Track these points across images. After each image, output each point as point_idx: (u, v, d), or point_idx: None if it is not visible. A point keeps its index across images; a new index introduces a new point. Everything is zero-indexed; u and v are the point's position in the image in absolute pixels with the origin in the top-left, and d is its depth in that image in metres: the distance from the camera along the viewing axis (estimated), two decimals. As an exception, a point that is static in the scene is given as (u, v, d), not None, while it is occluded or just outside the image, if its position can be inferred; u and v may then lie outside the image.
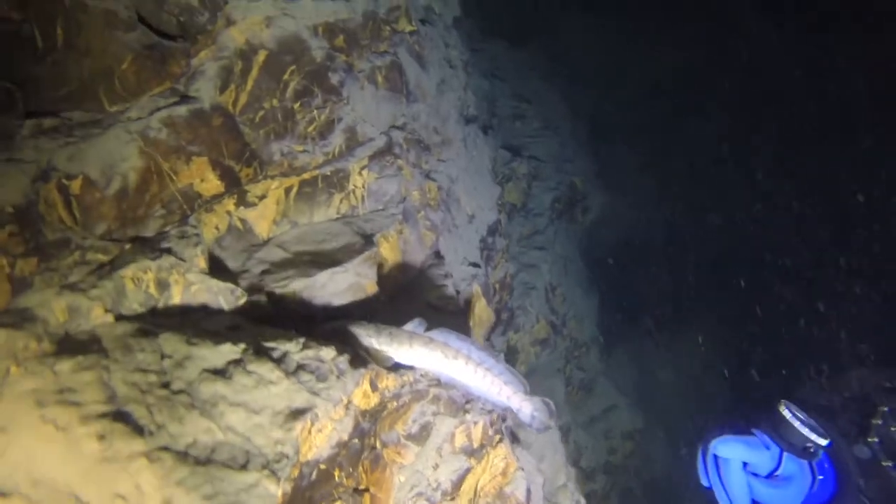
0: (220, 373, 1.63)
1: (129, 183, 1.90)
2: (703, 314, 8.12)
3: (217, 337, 1.77)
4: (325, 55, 2.54)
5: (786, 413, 1.89)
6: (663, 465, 6.84)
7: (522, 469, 2.45)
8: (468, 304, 3.38)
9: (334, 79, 2.59)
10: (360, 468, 1.85)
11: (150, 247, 1.91)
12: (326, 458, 1.68)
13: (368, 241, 2.56)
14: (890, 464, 2.10)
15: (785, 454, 1.89)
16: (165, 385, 1.53)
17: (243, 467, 1.49)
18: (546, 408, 2.08)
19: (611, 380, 6.66)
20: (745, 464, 1.94)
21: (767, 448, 1.91)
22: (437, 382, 2.17)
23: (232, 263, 2.27)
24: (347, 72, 2.69)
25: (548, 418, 2.07)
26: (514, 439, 3.04)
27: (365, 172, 2.76)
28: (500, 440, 2.34)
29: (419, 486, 2.10)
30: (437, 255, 3.28)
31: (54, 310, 1.62)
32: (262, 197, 2.40)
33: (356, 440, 1.81)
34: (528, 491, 2.47)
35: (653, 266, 8.30)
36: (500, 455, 2.35)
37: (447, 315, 2.87)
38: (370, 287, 2.47)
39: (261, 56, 2.30)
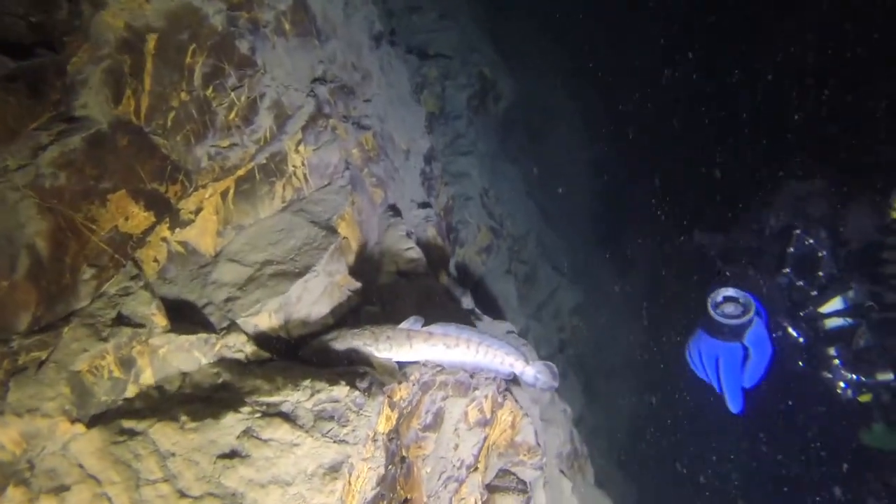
0: (235, 454, 1.46)
1: (39, 253, 1.51)
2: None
3: (212, 407, 1.57)
4: (226, 19, 2.06)
5: (711, 312, 2.17)
6: (608, 331, 7.53)
7: (528, 415, 2.54)
8: (430, 252, 3.26)
9: (244, 46, 2.13)
10: (398, 486, 1.82)
11: (96, 321, 1.59)
12: (371, 499, 1.61)
13: (328, 229, 2.30)
14: (802, 282, 2.45)
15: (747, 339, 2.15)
16: (183, 494, 1.35)
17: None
18: (548, 370, 2.12)
19: (549, 263, 6.97)
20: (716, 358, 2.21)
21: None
22: (442, 369, 2.12)
23: (188, 296, 1.97)
24: (254, 32, 2.22)
25: (551, 379, 2.12)
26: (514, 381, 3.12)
27: (302, 148, 2.41)
28: (506, 398, 2.38)
29: (446, 471, 2.13)
30: (389, 208, 3.06)
31: (5, 445, 1.33)
32: (198, 210, 2.04)
33: (391, 466, 1.74)
34: (536, 432, 2.59)
35: (572, 141, 8.40)
36: (507, 411, 2.40)
37: (420, 277, 2.75)
38: (343, 280, 2.27)
39: (151, 42, 1.82)
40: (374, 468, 1.63)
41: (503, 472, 2.51)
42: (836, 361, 2.28)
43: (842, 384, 2.28)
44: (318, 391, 1.64)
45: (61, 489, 1.29)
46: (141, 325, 1.64)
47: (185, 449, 1.43)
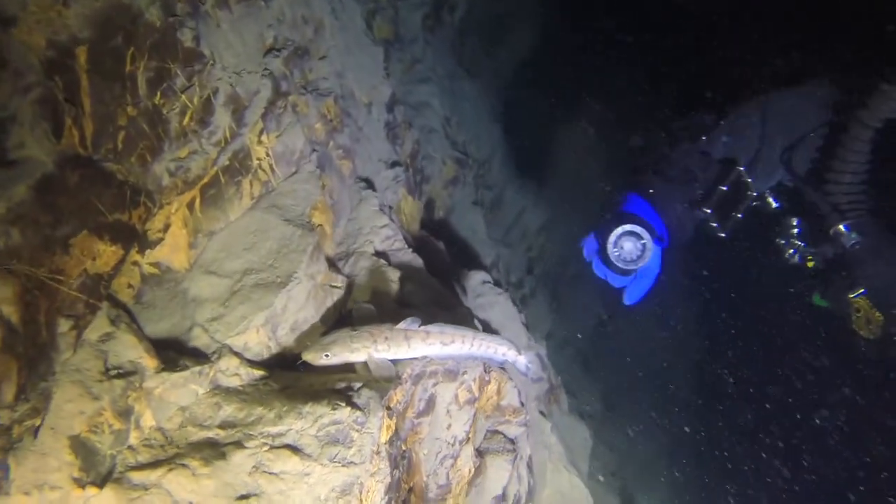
0: (251, 494, 1.52)
1: (9, 320, 1.43)
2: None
3: (218, 447, 1.60)
4: (162, 9, 1.81)
5: (609, 249, 2.36)
6: (572, 242, 7.75)
7: (511, 379, 2.68)
8: (408, 229, 3.21)
9: (187, 37, 1.90)
10: (402, 483, 1.94)
11: (84, 377, 1.55)
12: (383, 507, 1.73)
13: (302, 227, 2.22)
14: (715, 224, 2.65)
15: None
16: (209, 542, 1.42)
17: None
18: (538, 360, 2.23)
19: (514, 185, 6.97)
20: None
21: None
22: (431, 360, 2.19)
23: (169, 321, 1.91)
24: (195, 14, 1.97)
25: (540, 369, 2.23)
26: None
27: (264, 137, 2.25)
28: (492, 373, 2.49)
29: (441, 451, 2.27)
30: (359, 180, 2.95)
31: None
32: (166, 227, 1.93)
33: (395, 471, 1.85)
34: (519, 393, 2.75)
35: (533, 46, 8.06)
36: (493, 382, 2.53)
37: (399, 253, 2.73)
38: (324, 279, 2.24)
39: (81, 56, 1.60)
40: (381, 480, 1.73)
41: (491, 433, 2.69)
42: (795, 230, 2.48)
43: (790, 251, 2.52)
44: (321, 416, 1.69)
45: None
46: (132, 373, 1.61)
47: (202, 496, 1.48)
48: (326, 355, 1.81)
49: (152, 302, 1.94)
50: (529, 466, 2.83)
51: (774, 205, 2.55)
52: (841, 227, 2.21)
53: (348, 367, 1.97)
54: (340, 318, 2.21)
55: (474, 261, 4.92)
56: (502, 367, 2.45)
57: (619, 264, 2.33)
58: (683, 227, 2.60)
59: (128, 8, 1.70)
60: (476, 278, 3.63)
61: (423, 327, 2.02)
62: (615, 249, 2.32)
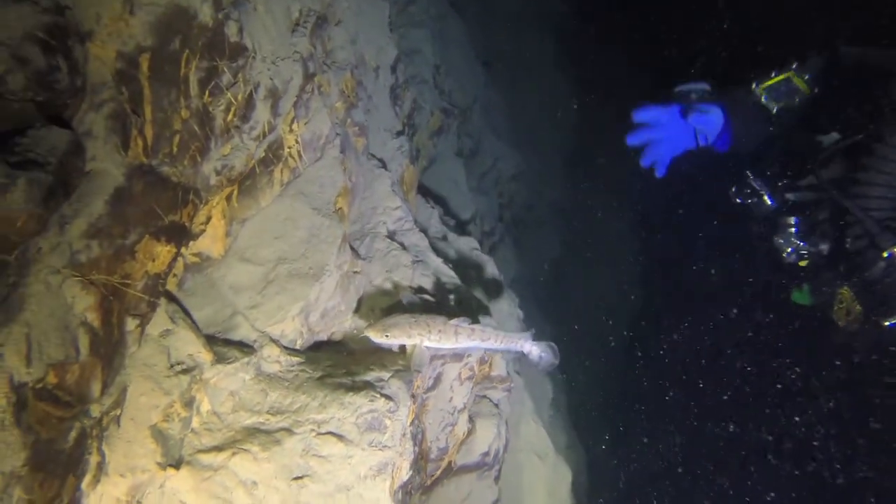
0: (305, 475, 1.77)
1: (93, 326, 1.55)
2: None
3: (269, 434, 1.82)
4: (213, 6, 1.80)
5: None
6: (547, 192, 8.02)
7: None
8: (406, 197, 3.33)
9: (233, 31, 1.90)
10: (420, 458, 2.24)
11: (153, 372, 1.71)
12: (407, 480, 2.02)
13: (329, 215, 2.34)
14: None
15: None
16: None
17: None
18: (550, 350, 2.49)
19: (493, 132, 7.04)
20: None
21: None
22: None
23: (211, 307, 2.05)
24: (239, 3, 1.95)
25: (553, 358, 2.51)
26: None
27: (295, 125, 2.30)
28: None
29: (444, 420, 2.60)
30: (371, 156, 3.02)
31: (120, 498, 1.56)
32: (208, 220, 2.02)
33: (416, 448, 2.14)
34: (506, 364, 3.09)
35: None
36: (489, 357, 2.84)
37: (409, 234, 2.89)
38: (350, 266, 2.40)
39: (144, 64, 1.61)
40: (407, 458, 2.02)
41: (479, 398, 3.04)
42: (793, 230, 2.44)
43: (788, 249, 2.47)
44: (360, 406, 1.93)
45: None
46: (194, 367, 1.78)
47: (265, 477, 1.72)
48: (386, 336, 2.02)
49: (193, 289, 2.07)
50: (507, 424, 3.22)
51: (770, 203, 2.50)
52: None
53: (382, 356, 2.19)
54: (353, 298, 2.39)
55: (458, 218, 5.11)
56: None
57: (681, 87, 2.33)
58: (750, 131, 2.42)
59: (185, 10, 1.69)
60: (465, 244, 3.85)
61: (470, 325, 2.23)
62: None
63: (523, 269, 7.87)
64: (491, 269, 3.78)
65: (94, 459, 1.56)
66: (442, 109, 5.49)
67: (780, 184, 2.49)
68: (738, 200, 2.59)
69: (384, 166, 2.99)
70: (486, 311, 2.89)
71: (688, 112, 2.32)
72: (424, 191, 4.85)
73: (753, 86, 2.37)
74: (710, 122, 2.33)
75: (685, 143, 2.40)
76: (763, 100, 2.33)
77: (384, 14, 3.67)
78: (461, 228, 4.80)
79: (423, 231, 3.18)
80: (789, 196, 2.48)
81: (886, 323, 2.09)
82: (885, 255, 2.02)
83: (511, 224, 7.41)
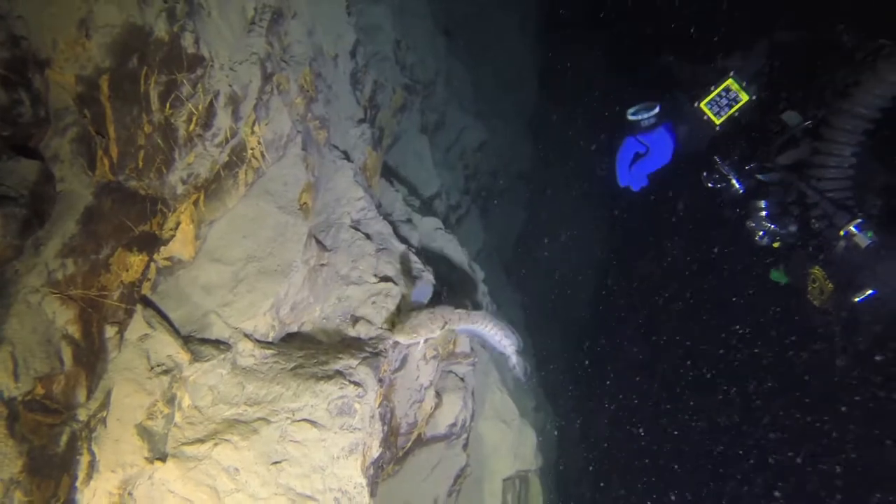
0: (283, 460, 1.94)
1: (74, 337, 1.66)
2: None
3: (248, 424, 1.97)
4: (167, 20, 1.84)
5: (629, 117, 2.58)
6: (513, 161, 8.13)
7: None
8: (370, 183, 3.42)
9: (189, 42, 1.95)
10: (391, 434, 2.43)
11: (135, 375, 1.83)
12: (377, 457, 2.22)
13: (294, 213, 2.44)
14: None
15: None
16: (256, 497, 1.85)
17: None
18: (523, 368, 2.69)
19: (457, 103, 7.09)
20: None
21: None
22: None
23: (185, 308, 2.16)
24: (192, 13, 1.99)
25: (522, 375, 2.71)
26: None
27: (256, 127, 2.37)
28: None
29: (412, 398, 2.79)
30: (332, 147, 3.10)
31: (112, 491, 1.70)
32: (177, 226, 2.10)
33: (385, 426, 2.33)
34: (470, 341, 3.29)
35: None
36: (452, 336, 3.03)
37: (372, 222, 3.01)
38: (315, 259, 2.52)
39: (104, 85, 1.68)
40: (376, 437, 2.21)
41: (446, 374, 3.25)
42: (763, 213, 2.52)
43: (760, 232, 2.55)
44: (331, 394, 2.09)
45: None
46: (173, 368, 1.90)
47: (246, 463, 1.88)
48: (414, 335, 2.18)
49: (167, 292, 2.17)
50: (473, 395, 3.44)
51: (739, 188, 2.59)
52: (852, 227, 2.11)
53: (350, 344, 2.34)
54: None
55: (423, 195, 5.22)
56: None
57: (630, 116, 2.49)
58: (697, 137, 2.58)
59: (141, 28, 1.75)
60: (429, 224, 3.99)
61: (472, 313, 2.41)
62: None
63: (490, 238, 8.06)
64: (454, 248, 3.95)
65: (85, 459, 1.69)
66: (404, 86, 5.51)
67: (747, 168, 2.59)
68: (709, 185, 2.72)
69: (347, 157, 3.08)
70: (453, 291, 3.07)
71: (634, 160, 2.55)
72: (389, 171, 4.95)
73: (695, 104, 2.47)
74: (657, 151, 2.52)
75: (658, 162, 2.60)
76: (705, 118, 2.46)
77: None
78: (426, 207, 4.93)
79: (387, 217, 3.31)
80: (758, 178, 2.56)
81: (856, 299, 2.18)
82: (842, 233, 2.13)
83: (477, 195, 7.56)
